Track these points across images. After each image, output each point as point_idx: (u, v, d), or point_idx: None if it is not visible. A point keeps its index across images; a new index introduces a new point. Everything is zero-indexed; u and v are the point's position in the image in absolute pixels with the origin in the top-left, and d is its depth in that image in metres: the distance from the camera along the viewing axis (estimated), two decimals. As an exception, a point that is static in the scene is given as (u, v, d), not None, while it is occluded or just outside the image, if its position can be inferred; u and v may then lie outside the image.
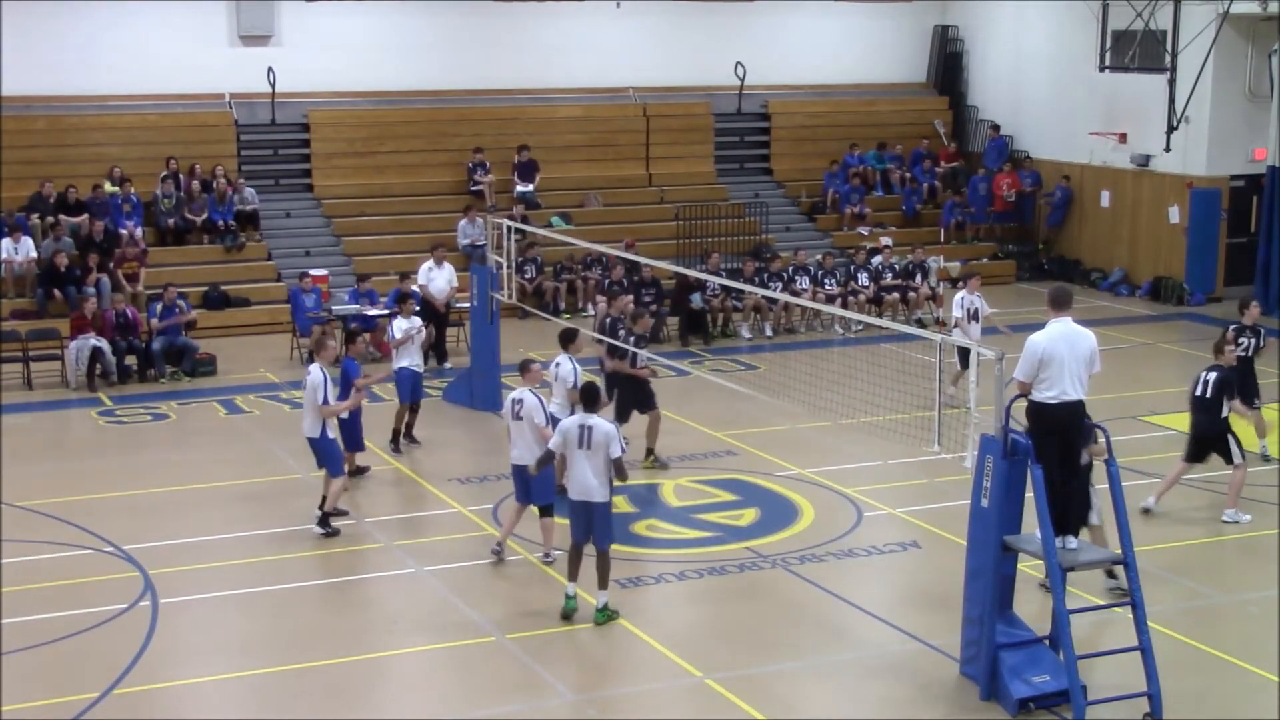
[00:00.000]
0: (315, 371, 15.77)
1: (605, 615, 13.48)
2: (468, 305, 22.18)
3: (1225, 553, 15.50)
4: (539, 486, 14.68)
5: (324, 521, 15.82)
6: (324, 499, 15.94)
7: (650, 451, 18.07)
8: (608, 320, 18.62)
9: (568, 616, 13.48)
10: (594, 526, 13.40)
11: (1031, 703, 11.71)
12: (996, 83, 33.90)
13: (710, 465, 18.27)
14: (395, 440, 18.91)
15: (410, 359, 18.90)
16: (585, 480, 13.32)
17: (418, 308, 20.47)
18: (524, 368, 15.04)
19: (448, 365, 23.60)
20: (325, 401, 15.65)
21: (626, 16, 31.65)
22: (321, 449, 15.77)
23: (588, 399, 13.60)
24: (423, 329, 19.54)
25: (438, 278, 23.90)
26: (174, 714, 12.00)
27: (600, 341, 18.23)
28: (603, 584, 13.52)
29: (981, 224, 31.97)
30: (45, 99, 28.10)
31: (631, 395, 17.83)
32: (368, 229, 28.95)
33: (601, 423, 13.38)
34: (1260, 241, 28.42)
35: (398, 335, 18.91)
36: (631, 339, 17.83)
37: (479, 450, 19.09)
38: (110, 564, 14.94)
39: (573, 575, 13.63)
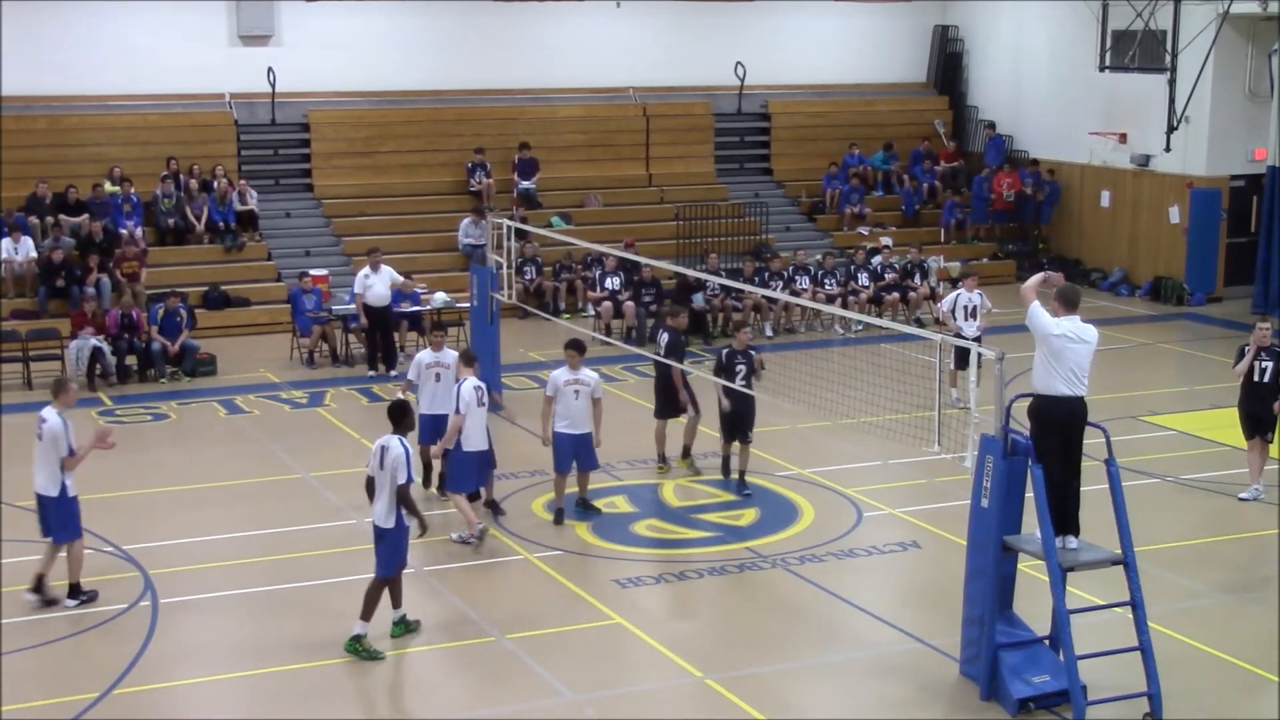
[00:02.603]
0: (53, 418, 13.72)
1: (352, 647, 12.76)
2: (467, 305, 22.13)
3: (1226, 552, 15.48)
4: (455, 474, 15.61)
5: (74, 592, 13.90)
6: (70, 570, 14.00)
7: (687, 451, 18.23)
8: (724, 353, 17.52)
9: (396, 637, 13.12)
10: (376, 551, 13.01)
11: (1031, 703, 11.72)
12: (996, 83, 33.89)
13: (710, 465, 18.24)
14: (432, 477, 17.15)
15: (433, 403, 16.85)
16: (377, 505, 12.95)
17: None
18: (467, 359, 16.13)
19: (394, 372, 22.69)
20: (71, 452, 13.72)
21: (626, 16, 31.66)
22: (60, 509, 13.78)
23: (392, 417, 13.09)
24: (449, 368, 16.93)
25: (375, 284, 23.12)
26: (174, 714, 12.01)
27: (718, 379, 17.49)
28: (363, 614, 12.81)
29: (981, 224, 31.97)
30: (45, 99, 28.10)
31: (741, 408, 17.29)
32: (368, 229, 28.91)
33: (394, 444, 12.82)
34: (1260, 241, 28.39)
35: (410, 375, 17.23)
36: (742, 368, 17.21)
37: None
38: (110, 564, 14.94)
39: (394, 600, 13.16)
